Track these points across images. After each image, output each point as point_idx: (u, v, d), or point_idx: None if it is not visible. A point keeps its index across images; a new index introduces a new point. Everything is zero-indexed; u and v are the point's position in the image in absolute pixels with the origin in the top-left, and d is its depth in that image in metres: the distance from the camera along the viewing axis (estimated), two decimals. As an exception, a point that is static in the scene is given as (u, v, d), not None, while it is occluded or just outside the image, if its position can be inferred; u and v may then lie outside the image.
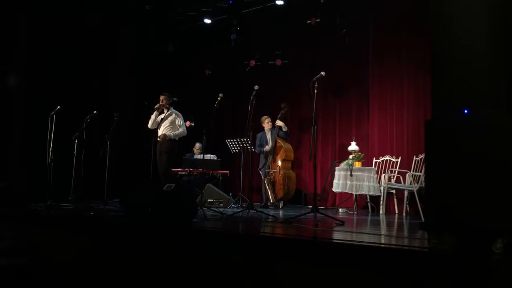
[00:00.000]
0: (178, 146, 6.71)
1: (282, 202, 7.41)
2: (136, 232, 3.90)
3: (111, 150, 6.15)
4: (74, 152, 6.19)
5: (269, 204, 7.39)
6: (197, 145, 8.50)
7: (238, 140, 6.29)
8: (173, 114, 6.59)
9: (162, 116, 6.62)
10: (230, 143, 6.51)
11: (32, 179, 6.67)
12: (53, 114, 6.28)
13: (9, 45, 7.31)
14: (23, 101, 7.36)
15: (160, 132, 6.54)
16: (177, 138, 6.57)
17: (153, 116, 6.57)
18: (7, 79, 7.34)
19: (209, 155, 7.78)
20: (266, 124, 7.69)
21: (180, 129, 6.57)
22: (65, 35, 7.67)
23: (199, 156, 7.81)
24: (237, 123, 8.73)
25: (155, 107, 6.54)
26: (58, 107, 6.33)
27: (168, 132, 6.49)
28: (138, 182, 5.97)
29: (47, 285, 3.86)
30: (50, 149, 6.17)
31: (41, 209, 5.53)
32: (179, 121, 6.60)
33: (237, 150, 6.45)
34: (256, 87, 5.53)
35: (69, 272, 3.97)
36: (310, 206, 4.80)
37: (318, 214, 4.33)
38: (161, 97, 6.61)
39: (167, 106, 6.60)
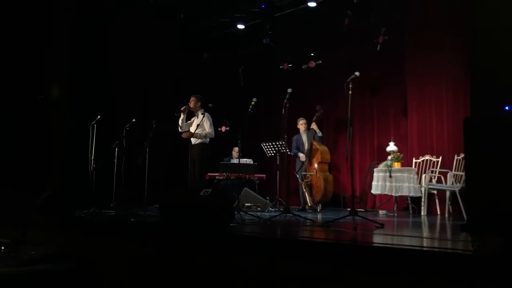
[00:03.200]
0: (211, 151, 6.68)
1: (320, 205, 7.36)
2: (174, 236, 3.93)
3: (149, 157, 6.25)
4: (115, 160, 6.34)
5: (306, 208, 7.35)
6: (236, 148, 8.53)
7: (274, 143, 6.29)
8: (202, 117, 6.45)
9: (193, 119, 6.59)
10: (266, 147, 6.51)
11: (75, 187, 6.84)
12: (94, 124, 6.46)
13: (54, 56, 7.56)
14: (66, 111, 7.61)
15: (192, 137, 6.54)
16: (207, 141, 6.48)
17: (180, 119, 6.52)
18: (52, 90, 7.62)
19: (245, 159, 7.80)
20: (301, 125, 7.66)
21: (205, 132, 6.45)
22: (102, 46, 7.90)
23: (236, 161, 7.85)
24: (272, 127, 8.71)
25: (181, 109, 6.46)
26: (99, 116, 6.50)
27: (199, 140, 6.45)
28: (176, 188, 6.04)
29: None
30: (92, 157, 6.34)
31: (85, 216, 5.69)
32: (207, 124, 6.49)
33: (273, 154, 6.44)
34: (289, 90, 5.52)
35: (112, 277, 4.06)
36: (349, 209, 4.74)
37: (357, 217, 4.26)
38: (191, 99, 6.54)
39: (198, 108, 6.50)
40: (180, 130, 6.58)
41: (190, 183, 6.39)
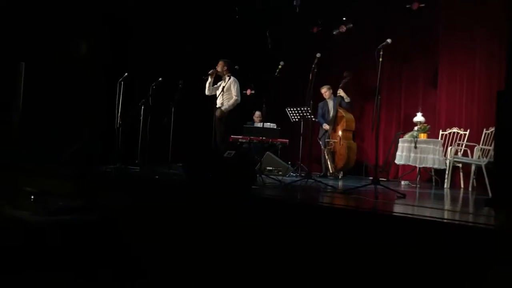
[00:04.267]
0: (237, 113, 6.69)
1: (341, 172, 7.34)
2: (197, 195, 3.99)
3: (175, 116, 6.32)
4: (141, 118, 6.41)
5: (328, 174, 7.35)
6: (257, 113, 8.52)
7: (299, 109, 6.22)
8: (230, 82, 6.45)
9: (220, 82, 6.59)
10: (290, 111, 6.43)
11: (102, 143, 7.00)
12: (121, 81, 6.49)
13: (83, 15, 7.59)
14: (96, 67, 7.69)
15: (218, 100, 6.55)
16: (231, 107, 6.51)
17: (207, 83, 6.54)
18: (80, 46, 7.71)
19: (269, 123, 7.79)
20: (324, 93, 7.57)
21: (232, 100, 6.46)
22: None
23: (259, 125, 7.82)
24: (298, 92, 8.53)
25: (209, 72, 6.46)
26: (126, 74, 6.53)
27: (223, 105, 6.47)
28: (200, 149, 6.08)
29: (114, 241, 4.09)
30: (119, 114, 6.42)
31: (111, 171, 5.80)
32: (234, 88, 6.49)
33: (297, 119, 6.38)
34: (318, 54, 5.38)
35: (134, 230, 4.18)
36: (371, 178, 4.69)
37: (378, 186, 4.21)
38: (218, 63, 6.54)
39: (225, 72, 6.50)
40: (206, 93, 6.62)
41: (214, 145, 6.43)
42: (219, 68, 6.51)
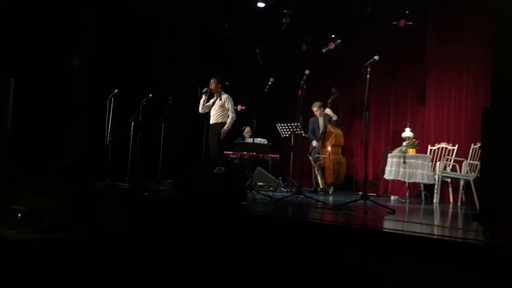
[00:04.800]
0: (230, 130, 6.76)
1: (332, 187, 7.35)
2: (186, 211, 3.97)
3: (165, 133, 6.32)
4: (131, 134, 6.41)
5: (318, 190, 7.34)
6: (247, 129, 8.54)
7: (289, 124, 6.24)
8: (223, 98, 6.63)
9: (213, 100, 6.65)
10: (281, 127, 6.46)
11: (91, 159, 6.97)
12: (111, 97, 6.51)
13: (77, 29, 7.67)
14: (85, 83, 7.71)
15: (211, 117, 6.60)
16: (230, 126, 6.61)
17: (201, 100, 6.64)
18: (72, 61, 7.71)
19: (259, 139, 7.81)
20: (317, 112, 7.63)
21: (230, 117, 6.60)
22: (123, 19, 7.94)
23: (250, 140, 7.84)
24: (288, 108, 8.71)
25: (203, 91, 6.59)
26: (116, 90, 6.54)
27: (219, 122, 6.58)
28: (190, 165, 6.07)
29: (102, 259, 4.03)
30: (109, 131, 6.43)
31: (100, 187, 5.77)
32: (228, 104, 6.62)
33: (287, 135, 6.40)
34: (307, 71, 5.43)
35: (123, 247, 4.12)
36: (361, 193, 4.73)
37: (368, 202, 4.23)
38: (211, 81, 6.67)
39: (218, 90, 6.63)
40: (200, 111, 6.72)
41: (205, 160, 6.48)
42: (212, 86, 6.63)
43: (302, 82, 5.37)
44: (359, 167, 8.06)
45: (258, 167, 7.23)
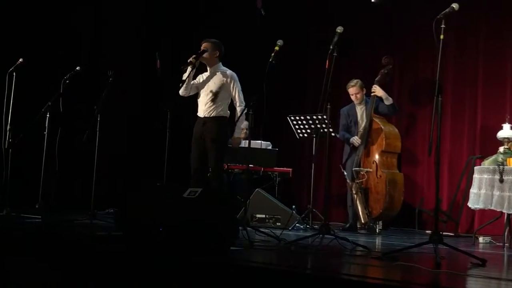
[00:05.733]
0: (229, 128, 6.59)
1: (380, 222, 7.27)
2: (136, 263, 3.96)
3: (102, 132, 6.27)
4: (45, 133, 6.36)
5: (358, 226, 7.29)
6: (244, 124, 8.42)
7: (308, 117, 6.21)
8: (227, 77, 6.38)
9: (204, 75, 6.51)
10: (295, 122, 6.43)
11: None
12: (12, 71, 6.46)
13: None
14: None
15: (202, 105, 6.43)
16: (227, 114, 6.45)
17: (185, 75, 6.35)
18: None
19: (260, 141, 7.74)
20: (357, 94, 7.52)
21: (237, 109, 6.40)
22: None
23: (244, 144, 7.66)
24: (305, 90, 8.70)
25: (189, 60, 6.27)
26: (21, 60, 6.51)
27: (217, 111, 6.36)
28: (145, 184, 6.03)
29: None
30: (8, 127, 6.38)
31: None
32: (234, 87, 6.40)
33: (305, 135, 6.38)
34: (339, 28, 5.38)
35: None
36: (429, 232, 4.68)
37: (441, 246, 4.20)
38: (203, 45, 6.42)
39: (214, 60, 6.43)
40: (182, 92, 6.46)
41: (194, 179, 6.32)
42: (206, 54, 6.38)
43: (331, 47, 5.30)
44: (426, 189, 8.02)
45: (257, 189, 7.22)
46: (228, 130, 6.47)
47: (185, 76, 6.32)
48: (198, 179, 6.32)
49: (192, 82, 6.45)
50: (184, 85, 6.37)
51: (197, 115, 6.39)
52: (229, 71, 6.43)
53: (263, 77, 5.51)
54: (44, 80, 6.81)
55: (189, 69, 6.29)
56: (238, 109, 6.35)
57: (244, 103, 6.30)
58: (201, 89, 6.44)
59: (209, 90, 6.37)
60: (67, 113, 6.48)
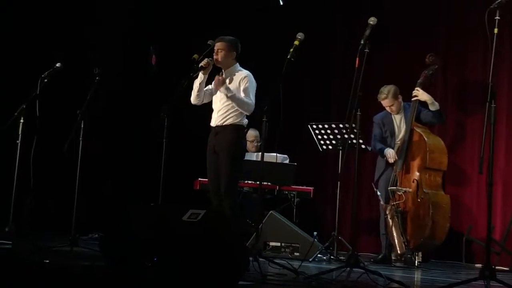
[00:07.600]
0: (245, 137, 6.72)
1: (420, 254, 7.22)
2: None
3: (86, 140, 6.26)
4: (18, 142, 6.41)
5: (393, 258, 7.26)
6: (251, 133, 8.37)
7: (334, 126, 6.23)
8: (240, 77, 6.41)
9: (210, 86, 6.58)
10: (318, 131, 6.47)
11: None
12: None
13: None
14: None
15: (217, 113, 6.46)
16: (244, 122, 6.47)
17: (197, 82, 6.47)
18: None
19: (275, 154, 7.64)
20: (389, 103, 7.40)
21: (246, 102, 6.39)
22: None
23: (256, 157, 7.72)
24: (330, 93, 8.69)
25: (201, 64, 6.39)
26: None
27: (233, 119, 6.36)
28: (136, 205, 5.99)
29: None
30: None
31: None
32: (243, 81, 6.41)
33: (330, 147, 6.29)
34: (371, 20, 5.37)
35: None
36: (478, 266, 4.89)
37: (494, 283, 4.21)
38: (217, 45, 6.47)
39: (230, 62, 6.47)
40: (194, 101, 6.57)
41: (211, 195, 6.42)
42: (219, 56, 6.41)
43: (362, 42, 5.27)
44: (475, 214, 7.94)
45: (271, 211, 7.20)
46: (245, 142, 6.59)
47: (196, 82, 6.43)
48: (216, 196, 6.43)
49: (205, 88, 6.51)
50: (196, 93, 6.48)
51: (210, 125, 6.47)
52: (245, 71, 6.48)
53: (280, 77, 5.58)
54: (17, 77, 7.01)
55: (200, 74, 6.38)
56: (247, 99, 6.39)
57: (252, 101, 6.37)
58: (214, 94, 6.51)
59: (224, 95, 6.39)
60: (44, 117, 6.52)
